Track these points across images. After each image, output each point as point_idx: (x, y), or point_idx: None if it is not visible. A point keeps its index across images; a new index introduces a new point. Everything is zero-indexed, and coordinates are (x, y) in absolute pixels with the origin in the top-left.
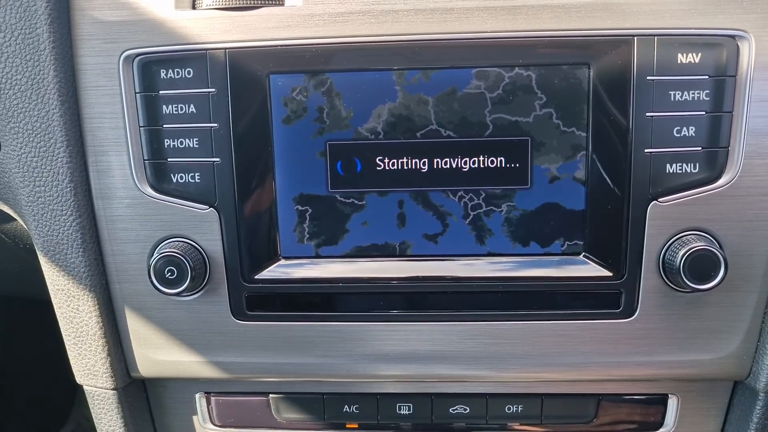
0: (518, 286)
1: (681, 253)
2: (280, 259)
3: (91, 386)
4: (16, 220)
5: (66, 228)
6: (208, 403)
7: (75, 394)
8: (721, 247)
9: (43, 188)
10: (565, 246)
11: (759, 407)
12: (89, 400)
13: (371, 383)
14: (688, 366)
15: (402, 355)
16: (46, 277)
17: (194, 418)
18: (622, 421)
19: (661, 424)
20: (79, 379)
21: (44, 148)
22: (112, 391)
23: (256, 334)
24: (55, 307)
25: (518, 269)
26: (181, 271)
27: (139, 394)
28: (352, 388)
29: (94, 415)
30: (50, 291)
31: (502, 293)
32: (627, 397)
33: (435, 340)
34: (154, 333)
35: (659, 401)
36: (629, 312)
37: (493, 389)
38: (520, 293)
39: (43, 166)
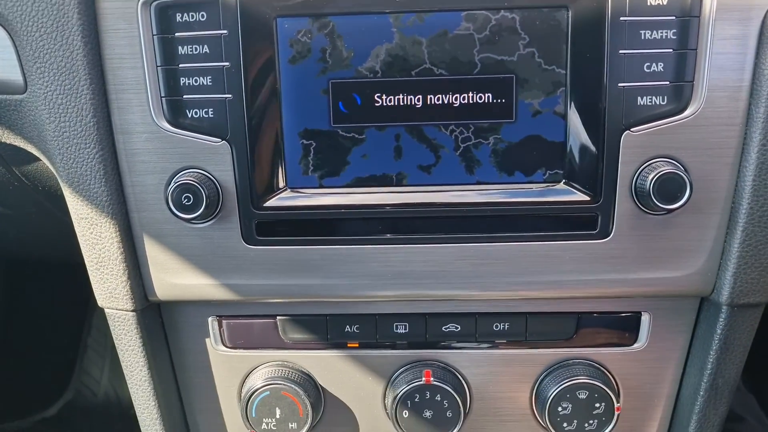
0: (504, 211)
1: (651, 177)
2: (286, 189)
3: (112, 308)
4: (36, 162)
5: (89, 160)
6: (220, 326)
7: (75, 361)
8: (686, 171)
9: (68, 123)
10: (547, 175)
11: (722, 320)
12: (110, 323)
13: (370, 304)
14: (658, 283)
15: (398, 276)
16: (69, 207)
17: (206, 340)
18: (599, 337)
19: (635, 340)
20: (100, 302)
21: (69, 86)
22: (131, 313)
23: (265, 258)
24: (78, 235)
25: (504, 196)
26: (197, 198)
27: (156, 318)
28: (353, 310)
29: (114, 337)
30: (74, 219)
31: (489, 218)
32: (604, 314)
33: (428, 261)
34: (170, 258)
35: (633, 318)
36: (605, 233)
37: (482, 309)
38: (505, 217)
39: (68, 103)
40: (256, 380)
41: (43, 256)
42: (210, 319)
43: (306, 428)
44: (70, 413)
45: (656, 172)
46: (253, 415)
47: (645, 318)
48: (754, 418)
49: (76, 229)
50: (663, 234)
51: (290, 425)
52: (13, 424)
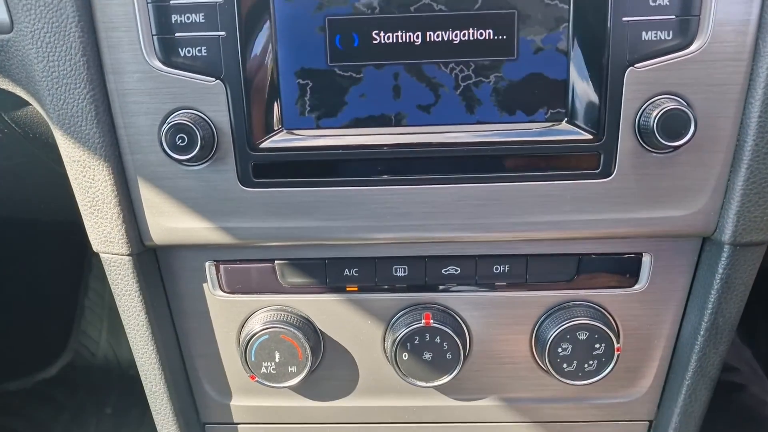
0: (504, 151)
1: (654, 113)
2: (282, 131)
3: (108, 253)
4: (25, 107)
5: (80, 100)
6: (218, 270)
7: (73, 323)
8: (691, 108)
9: (56, 63)
10: (549, 114)
11: (724, 259)
12: (106, 269)
13: (370, 247)
14: (660, 223)
15: (398, 218)
16: (61, 150)
17: (204, 285)
18: (600, 279)
19: (636, 281)
20: (95, 247)
21: (56, 24)
22: (127, 257)
23: (262, 200)
24: (70, 178)
25: (505, 136)
26: (191, 138)
27: (152, 263)
28: (351, 253)
29: (111, 282)
30: (66, 163)
31: (489, 158)
32: (605, 256)
33: (428, 202)
34: (165, 202)
35: (634, 260)
36: (607, 173)
37: (482, 251)
38: (506, 158)
39: (56, 41)
40: (255, 324)
41: (37, 215)
42: (207, 264)
43: (305, 372)
44: (70, 373)
45: (660, 108)
46: (252, 359)
47: (646, 259)
48: (748, 369)
49: (68, 172)
50: (666, 173)
51: (290, 369)
52: (15, 383)
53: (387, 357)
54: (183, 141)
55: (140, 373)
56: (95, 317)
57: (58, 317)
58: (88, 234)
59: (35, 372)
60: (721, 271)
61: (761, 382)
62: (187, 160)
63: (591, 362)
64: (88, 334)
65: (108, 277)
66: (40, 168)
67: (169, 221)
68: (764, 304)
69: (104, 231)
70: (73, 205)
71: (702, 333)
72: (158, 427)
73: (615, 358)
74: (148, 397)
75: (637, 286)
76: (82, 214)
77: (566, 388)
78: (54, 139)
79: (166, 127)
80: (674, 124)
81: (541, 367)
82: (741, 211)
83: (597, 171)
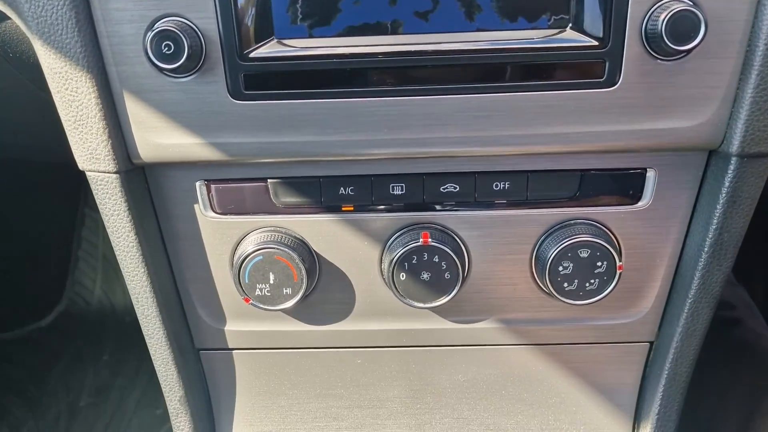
0: (506, 59)
1: (663, 16)
2: (273, 40)
3: (94, 171)
4: (2, 22)
5: (59, 7)
6: (209, 190)
7: (67, 273)
8: (701, 9)
9: None
10: (552, 20)
11: (731, 171)
12: (93, 188)
13: (366, 165)
14: (666, 135)
15: (395, 130)
16: (42, 62)
17: (195, 206)
18: (602, 195)
19: (639, 198)
20: (81, 165)
21: None
22: (114, 175)
23: (254, 114)
24: (53, 92)
25: (506, 43)
26: (178, 46)
27: (141, 182)
28: (347, 171)
29: (98, 202)
30: (47, 75)
31: (490, 67)
32: (608, 171)
33: (426, 114)
34: (153, 116)
35: (638, 175)
36: (612, 82)
37: (482, 167)
38: (508, 66)
39: None
40: (248, 246)
41: (28, 155)
42: (198, 184)
43: (301, 294)
44: (65, 322)
45: (669, 11)
46: (246, 281)
47: (650, 174)
48: (744, 306)
49: (50, 86)
50: (673, 81)
51: (284, 291)
52: (11, 333)
53: (384, 278)
54: (169, 49)
55: (132, 297)
56: (89, 267)
57: (52, 267)
58: (74, 152)
59: (30, 321)
60: (727, 184)
61: (757, 318)
62: (174, 71)
63: (592, 281)
64: (83, 283)
65: (96, 197)
66: (24, 98)
67: (157, 137)
68: (760, 243)
69: (90, 147)
70: (63, 140)
71: (706, 249)
72: (152, 353)
73: (617, 276)
74: (141, 322)
75: (640, 203)
76: (66, 132)
77: (566, 310)
78: (36, 59)
79: (150, 34)
80: (683, 26)
81: (541, 287)
82: (750, 120)
83: (602, 80)
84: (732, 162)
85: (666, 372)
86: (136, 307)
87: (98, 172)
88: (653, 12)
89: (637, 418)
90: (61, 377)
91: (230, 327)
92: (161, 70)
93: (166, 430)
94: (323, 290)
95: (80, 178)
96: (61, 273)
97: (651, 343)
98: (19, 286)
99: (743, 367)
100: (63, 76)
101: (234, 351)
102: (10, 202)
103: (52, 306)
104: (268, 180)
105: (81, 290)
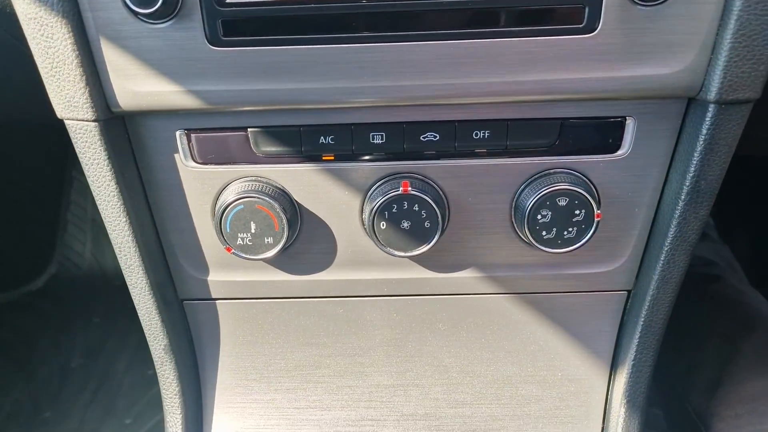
0: (486, 3)
1: None
2: None
3: (73, 119)
4: None
5: None
6: (189, 140)
7: (56, 237)
8: None
9: None
10: None
11: (708, 118)
12: (72, 137)
13: (346, 113)
14: (646, 82)
15: (373, 78)
16: (17, 10)
17: (176, 156)
18: (582, 144)
19: (618, 147)
20: (60, 114)
21: None
22: (93, 124)
23: (232, 60)
24: (28, 39)
25: None
26: None
27: (121, 132)
28: (327, 120)
29: (78, 152)
30: (21, 21)
31: (470, 11)
32: (587, 120)
33: (404, 61)
34: (131, 63)
35: (617, 124)
36: (591, 27)
37: (462, 116)
38: (487, 12)
39: None
40: (229, 195)
41: (14, 116)
42: (178, 133)
43: (282, 243)
44: (56, 285)
45: None
46: (228, 231)
47: (629, 123)
48: (726, 264)
49: (25, 33)
50: (652, 27)
51: (266, 240)
52: (1, 296)
53: (365, 228)
54: None
55: (115, 248)
56: (78, 231)
57: (41, 231)
58: (51, 100)
59: (21, 285)
60: (705, 132)
61: (737, 274)
62: (150, 16)
63: (570, 229)
64: (73, 247)
65: (75, 146)
66: (4, 56)
67: (136, 85)
68: (744, 204)
69: (67, 95)
70: (46, 98)
71: (683, 197)
72: (136, 303)
73: (595, 225)
74: (124, 272)
75: (619, 152)
76: (43, 79)
77: (545, 259)
78: (12, 7)
79: None
80: None
81: (520, 237)
82: (728, 66)
83: (581, 26)
84: (710, 109)
85: (642, 319)
86: (119, 257)
87: (77, 120)
88: None
89: (614, 365)
90: (52, 339)
91: (213, 277)
92: (137, 15)
93: (157, 391)
94: (305, 240)
95: (67, 140)
96: (50, 237)
97: (628, 291)
98: (9, 249)
99: (722, 320)
100: (38, 22)
101: (217, 301)
102: None
103: (43, 269)
104: (248, 129)
105: (71, 254)
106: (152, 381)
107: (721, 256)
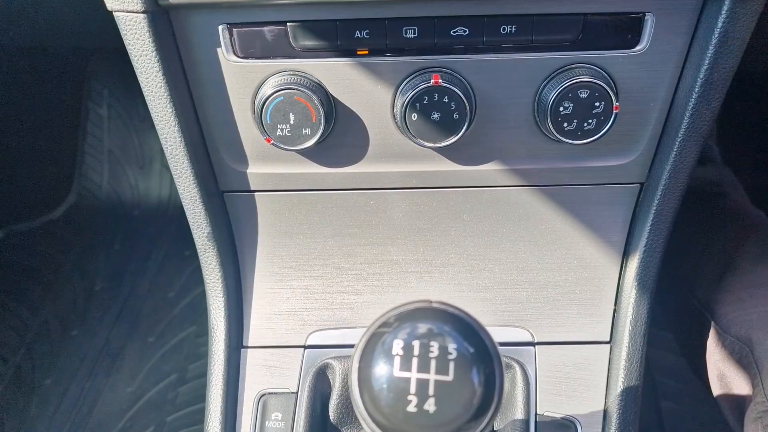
0: None
1: None
2: None
3: (122, 11)
4: None
5: None
6: (231, 34)
7: (74, 167)
8: None
9: None
10: None
11: (724, 12)
12: (121, 30)
13: (380, 8)
14: None
15: None
16: None
17: (218, 50)
18: (603, 39)
19: (637, 42)
20: (109, 6)
21: None
22: (141, 15)
23: None
24: None
25: None
26: None
27: (166, 27)
28: (363, 14)
29: (127, 45)
30: None
31: None
32: (609, 15)
33: None
34: None
35: (637, 19)
36: None
37: (491, 11)
38: None
39: None
40: (269, 88)
41: (43, 42)
42: (220, 28)
43: (319, 134)
44: (75, 215)
45: None
46: (268, 122)
47: (648, 18)
48: (729, 183)
49: None
50: None
51: (304, 131)
52: (23, 224)
53: (396, 121)
54: None
55: (161, 139)
56: (96, 161)
57: (59, 162)
58: None
59: (41, 214)
60: (720, 26)
61: (741, 191)
62: None
63: (590, 121)
64: (90, 178)
65: (124, 39)
66: None
67: None
68: (748, 129)
69: None
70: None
71: (697, 89)
72: (180, 193)
73: (613, 117)
74: (169, 162)
75: (638, 47)
76: None
77: (565, 152)
78: None
79: None
80: None
81: (542, 130)
82: None
83: None
84: (725, 4)
85: (654, 209)
86: (165, 148)
87: (126, 11)
88: None
89: (626, 252)
90: (75, 264)
91: (252, 170)
92: None
93: (178, 312)
94: (339, 134)
95: (83, 71)
96: (68, 167)
97: (641, 184)
98: (28, 179)
99: (728, 227)
100: None
101: (255, 193)
102: (13, 93)
103: (62, 199)
104: (288, 23)
105: (89, 184)
106: (173, 303)
107: (725, 177)
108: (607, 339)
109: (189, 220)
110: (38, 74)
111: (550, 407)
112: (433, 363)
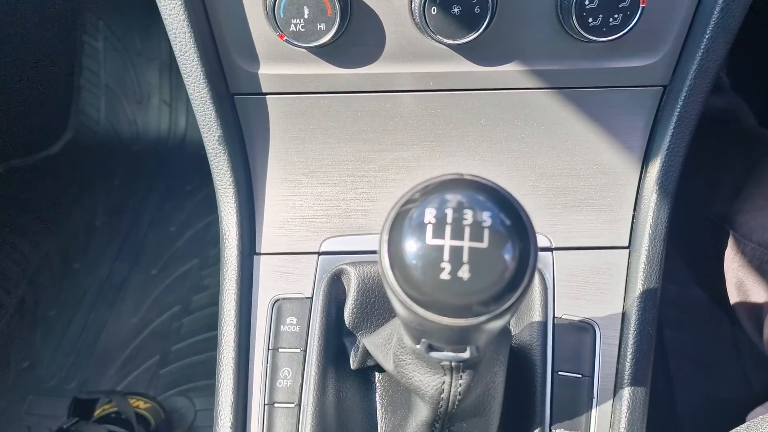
0: None
1: None
2: None
3: None
4: None
5: None
6: None
7: (70, 102)
8: None
9: None
10: None
11: None
12: None
13: None
14: None
15: None
16: None
17: None
18: None
19: None
20: None
21: None
22: None
23: None
24: None
25: None
26: None
27: None
28: None
29: None
30: None
31: None
32: None
33: None
34: None
35: None
36: None
37: None
38: None
39: None
40: None
41: None
42: None
43: (335, 29)
44: (74, 150)
45: None
46: (281, 16)
47: None
48: (741, 110)
49: None
50: None
51: (318, 26)
52: (21, 160)
53: (414, 18)
54: None
55: (169, 35)
56: (92, 96)
57: (55, 97)
58: None
59: (39, 150)
60: None
61: (752, 118)
62: None
63: (616, 16)
64: (87, 113)
65: None
66: None
67: None
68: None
69: None
70: None
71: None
72: (190, 94)
73: (640, 11)
74: (178, 60)
75: None
76: None
77: (587, 52)
78: None
79: None
80: None
81: (564, 28)
82: None
83: None
84: None
85: (678, 110)
86: (174, 45)
87: None
88: None
89: (646, 157)
90: (76, 199)
91: (263, 70)
92: None
93: (180, 245)
94: (354, 32)
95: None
96: (65, 102)
97: (664, 87)
98: (24, 115)
99: (745, 145)
100: None
101: (267, 96)
102: (6, 28)
103: (59, 135)
104: None
105: (86, 120)
106: (175, 237)
107: (737, 104)
108: (626, 244)
109: (199, 123)
110: (31, 9)
111: (568, 310)
112: (467, 230)
